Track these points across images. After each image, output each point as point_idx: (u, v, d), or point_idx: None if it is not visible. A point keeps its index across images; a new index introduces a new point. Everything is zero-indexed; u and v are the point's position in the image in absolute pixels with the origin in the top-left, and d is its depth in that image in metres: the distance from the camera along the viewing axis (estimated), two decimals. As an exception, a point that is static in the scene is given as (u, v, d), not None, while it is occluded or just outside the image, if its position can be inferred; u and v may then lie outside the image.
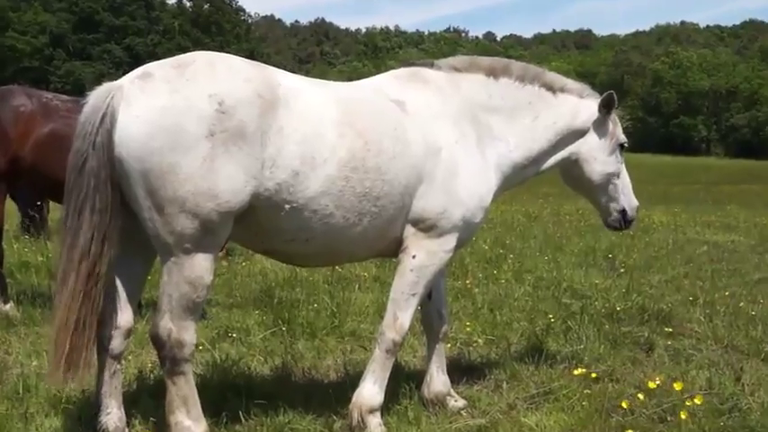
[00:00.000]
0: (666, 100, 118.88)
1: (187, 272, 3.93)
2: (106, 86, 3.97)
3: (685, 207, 25.61)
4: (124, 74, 4.14)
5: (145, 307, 7.18)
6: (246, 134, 3.89)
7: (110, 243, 3.93)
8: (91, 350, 4.04)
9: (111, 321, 4.21)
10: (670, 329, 7.37)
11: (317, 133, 4.14)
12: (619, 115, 5.50)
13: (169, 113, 3.78)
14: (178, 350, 4.02)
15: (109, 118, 3.82)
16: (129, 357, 5.93)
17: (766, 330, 7.37)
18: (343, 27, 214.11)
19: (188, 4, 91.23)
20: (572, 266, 11.41)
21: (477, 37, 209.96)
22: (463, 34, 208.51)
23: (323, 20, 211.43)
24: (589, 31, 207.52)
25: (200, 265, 3.95)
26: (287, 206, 4.09)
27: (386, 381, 4.71)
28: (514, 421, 4.86)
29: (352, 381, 5.07)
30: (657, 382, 5.19)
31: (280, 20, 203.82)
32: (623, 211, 5.50)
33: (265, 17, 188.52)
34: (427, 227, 4.62)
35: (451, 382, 5.37)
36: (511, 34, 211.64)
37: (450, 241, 4.70)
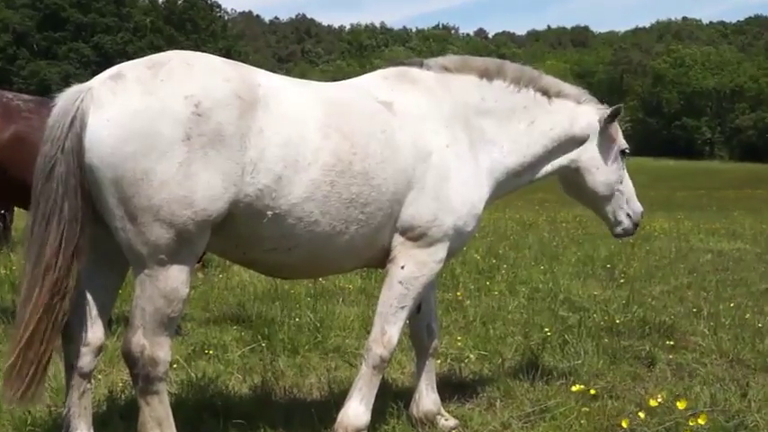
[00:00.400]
0: (668, 100, 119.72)
1: (161, 285, 3.92)
2: (75, 88, 3.97)
3: (688, 213, 25.80)
4: (92, 74, 4.15)
5: (116, 322, 7.16)
6: (225, 137, 3.89)
7: (78, 255, 3.92)
8: (46, 367, 4.00)
9: (80, 337, 4.19)
10: (672, 343, 7.41)
11: (301, 135, 4.16)
12: (618, 118, 5.55)
13: (142, 116, 3.78)
14: (152, 368, 4.01)
15: (78, 122, 3.81)
16: (100, 376, 5.91)
17: (773, 343, 7.43)
18: (325, 24, 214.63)
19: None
20: (569, 277, 11.47)
21: (467, 34, 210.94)
22: (453, 31, 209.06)
23: (304, 16, 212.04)
24: (586, 28, 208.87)
25: (176, 278, 3.94)
26: (269, 213, 4.10)
27: (372, 399, 4.70)
28: (509, 441, 4.88)
29: (336, 400, 5.07)
30: (659, 400, 5.22)
31: (258, 16, 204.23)
32: (629, 218, 5.56)
33: (243, 13, 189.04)
34: (417, 235, 4.64)
35: (442, 400, 5.37)
36: (503, 31, 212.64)
37: (441, 251, 4.72)
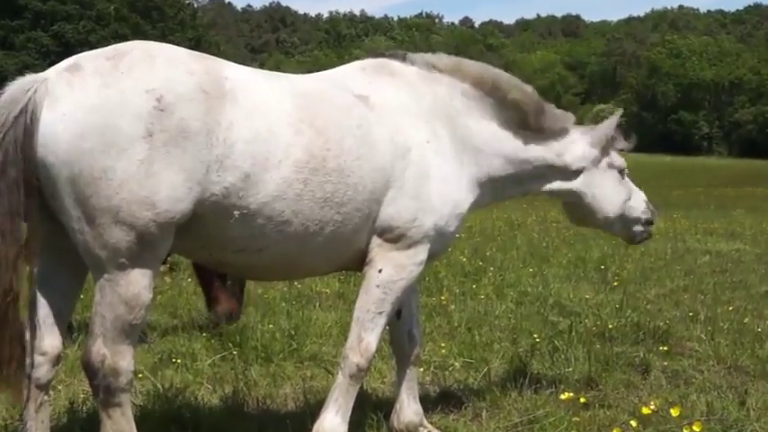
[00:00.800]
0: (664, 93, 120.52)
1: (122, 290, 3.90)
2: (29, 78, 3.91)
3: (685, 212, 25.95)
4: (52, 65, 4.11)
5: (77, 330, 7.12)
6: (189, 134, 3.87)
7: (28, 255, 3.88)
8: (19, 380, 3.99)
9: (36, 346, 4.15)
10: (667, 349, 7.47)
11: (270, 131, 4.14)
12: (610, 111, 5.57)
13: (101, 111, 3.75)
14: (113, 378, 3.98)
15: (29, 114, 3.77)
16: (59, 387, 5.88)
17: (773, 349, 7.49)
18: (301, 12, 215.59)
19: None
20: (559, 280, 11.52)
21: (452, 23, 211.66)
22: (437, 20, 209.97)
23: (279, 4, 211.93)
24: (577, 17, 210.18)
25: (138, 283, 3.92)
26: (236, 213, 4.09)
27: (350, 410, 4.70)
28: (495, 454, 4.89)
29: (312, 411, 5.06)
30: (653, 408, 5.27)
31: (230, 4, 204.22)
32: (644, 225, 5.64)
33: (213, 1, 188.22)
34: (395, 237, 4.64)
35: (425, 410, 5.39)
36: (490, 20, 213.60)
37: (421, 253, 4.73)
